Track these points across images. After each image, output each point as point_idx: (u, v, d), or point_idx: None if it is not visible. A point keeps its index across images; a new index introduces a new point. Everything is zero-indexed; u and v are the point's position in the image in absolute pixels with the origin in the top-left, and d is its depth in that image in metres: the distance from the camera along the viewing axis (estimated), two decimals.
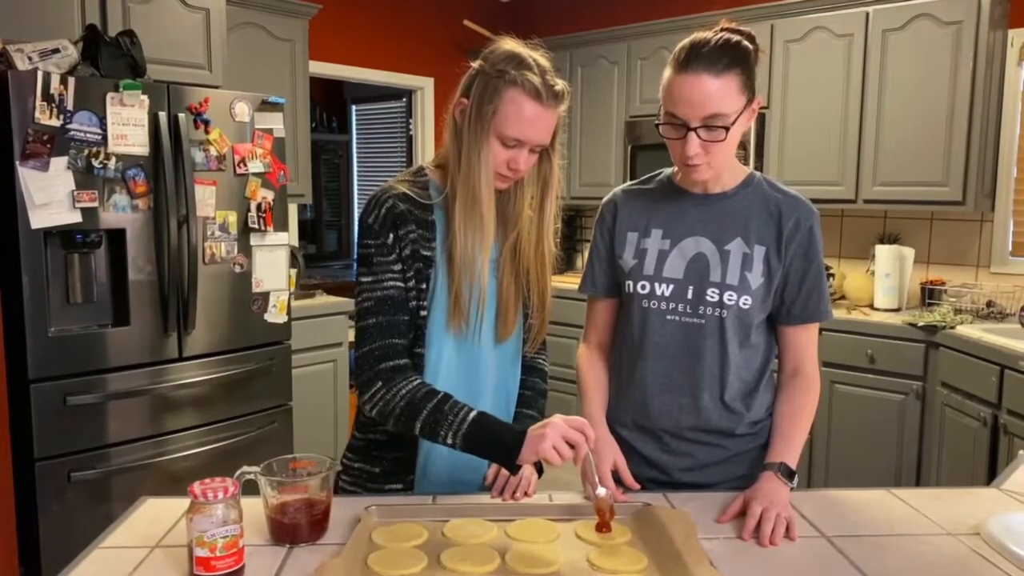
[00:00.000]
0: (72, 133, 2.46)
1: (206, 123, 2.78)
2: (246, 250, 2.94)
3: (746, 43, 1.36)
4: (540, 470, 1.40)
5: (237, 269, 2.92)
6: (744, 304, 1.41)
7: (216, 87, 3.06)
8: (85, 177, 2.50)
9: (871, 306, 3.63)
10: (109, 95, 2.53)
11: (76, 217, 2.49)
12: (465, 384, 1.40)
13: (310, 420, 3.55)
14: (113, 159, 2.55)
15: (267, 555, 1.14)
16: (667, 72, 1.36)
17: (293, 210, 4.14)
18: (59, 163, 2.43)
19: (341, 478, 1.46)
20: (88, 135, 2.49)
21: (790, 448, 1.41)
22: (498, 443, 1.24)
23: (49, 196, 2.42)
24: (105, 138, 2.53)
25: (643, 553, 1.14)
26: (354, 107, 6.89)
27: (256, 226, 2.94)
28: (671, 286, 1.44)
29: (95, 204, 2.52)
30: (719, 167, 1.39)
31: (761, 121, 3.85)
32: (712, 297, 1.42)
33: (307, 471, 1.20)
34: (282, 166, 3.03)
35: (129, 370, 2.66)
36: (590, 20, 4.78)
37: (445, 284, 1.36)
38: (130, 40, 2.71)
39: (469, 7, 4.93)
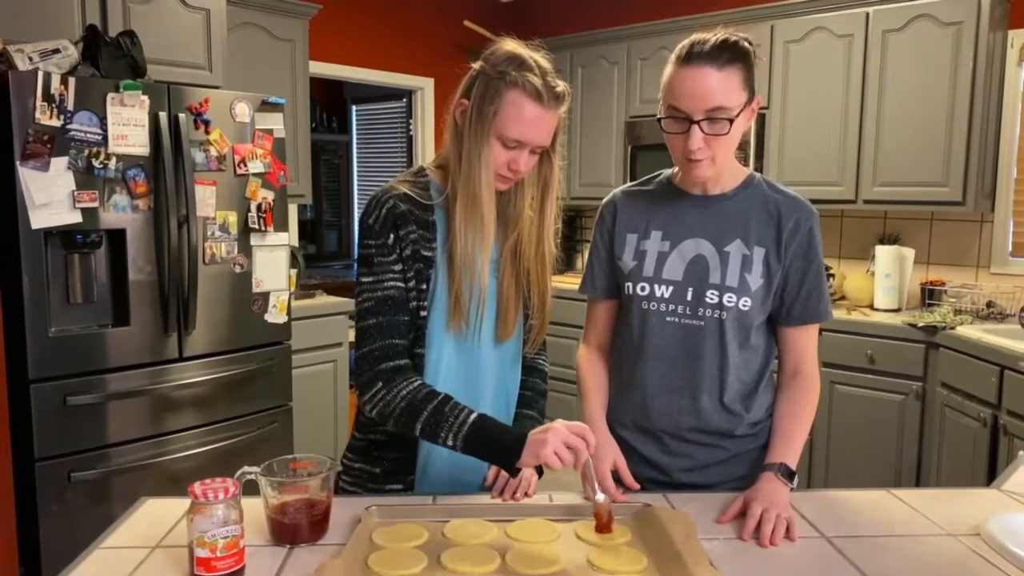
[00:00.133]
0: (72, 133, 2.46)
1: (206, 123, 2.78)
2: (246, 250, 2.94)
3: (745, 43, 1.37)
4: (540, 471, 1.40)
5: (237, 269, 2.93)
6: (744, 306, 1.41)
7: (216, 87, 3.06)
8: (85, 177, 2.50)
9: (871, 306, 3.63)
10: (109, 95, 2.53)
11: (76, 217, 2.49)
12: (465, 385, 1.40)
13: (310, 420, 3.55)
14: (113, 159, 2.55)
15: (267, 555, 1.14)
16: (669, 69, 1.37)
17: (293, 210, 4.14)
18: (59, 163, 2.43)
19: (341, 478, 1.46)
20: (88, 135, 2.49)
21: (790, 448, 1.41)
22: (498, 446, 1.24)
23: (49, 196, 2.42)
24: (105, 138, 2.53)
25: (643, 553, 1.15)
26: (354, 107, 6.89)
27: (256, 226, 2.94)
28: (671, 288, 1.44)
29: (95, 204, 2.53)
30: (721, 164, 1.39)
31: (761, 121, 3.85)
32: (712, 299, 1.42)
33: (307, 471, 1.20)
34: (282, 166, 3.04)
35: (129, 370, 2.67)
36: (590, 20, 4.78)
37: (445, 284, 1.36)
38: (130, 40, 2.71)
39: (469, 7, 4.93)
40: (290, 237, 3.23)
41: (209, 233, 2.82)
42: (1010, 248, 3.60)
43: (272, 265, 3.02)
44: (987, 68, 3.35)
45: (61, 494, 2.52)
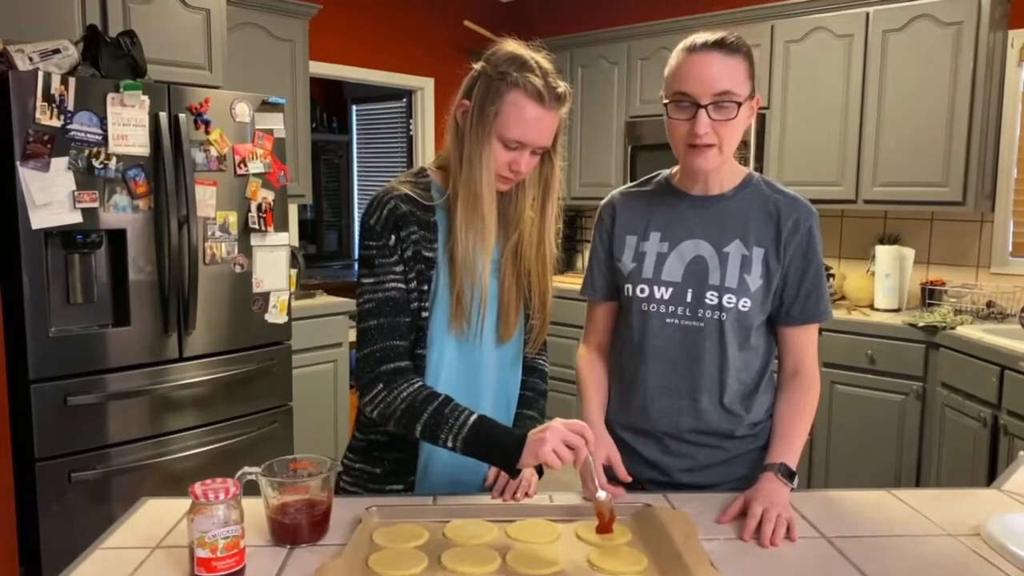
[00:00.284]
0: (73, 133, 2.46)
1: (206, 123, 2.78)
2: (246, 250, 2.94)
3: (746, 42, 1.38)
4: (540, 471, 1.40)
5: (237, 269, 2.93)
6: (743, 307, 1.41)
7: (216, 87, 3.06)
8: (85, 177, 2.50)
9: (871, 306, 3.63)
10: (110, 95, 2.53)
11: (76, 217, 2.49)
12: (465, 385, 1.40)
13: (310, 420, 3.55)
14: (114, 159, 2.55)
15: (268, 556, 1.14)
16: (675, 59, 1.38)
17: (293, 210, 4.14)
18: (60, 163, 2.43)
19: (342, 479, 1.46)
20: (89, 135, 2.49)
21: (790, 449, 1.41)
22: (498, 447, 1.24)
23: (50, 196, 2.42)
24: (106, 138, 2.53)
25: (643, 554, 1.15)
26: (354, 107, 6.89)
27: (256, 226, 2.94)
28: (670, 289, 1.44)
29: (95, 204, 2.53)
30: (726, 155, 1.39)
31: (761, 121, 3.85)
32: (711, 300, 1.42)
33: (308, 472, 1.21)
34: (282, 166, 3.04)
35: (129, 370, 2.67)
36: (590, 20, 4.78)
37: (447, 285, 1.36)
38: (130, 40, 2.71)
39: (469, 7, 4.93)
40: (290, 237, 3.23)
41: (209, 233, 2.82)
42: (1010, 248, 3.60)
43: (272, 265, 3.02)
44: (987, 68, 3.35)
45: (61, 494, 2.52)
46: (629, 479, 1.41)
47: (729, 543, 1.21)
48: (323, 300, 3.84)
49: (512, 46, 1.34)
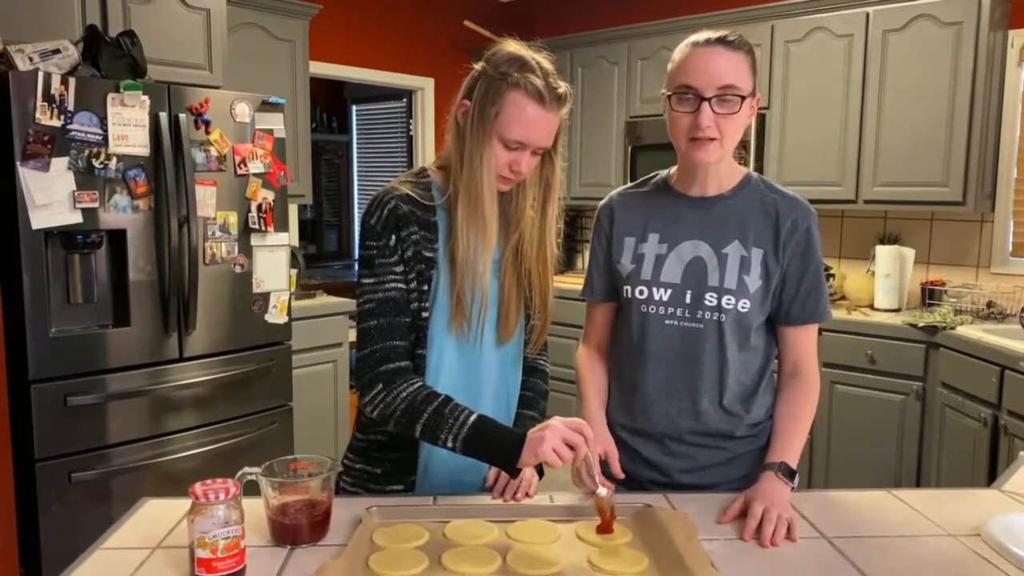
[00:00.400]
0: (73, 133, 2.46)
1: (207, 123, 2.78)
2: (246, 250, 2.94)
3: (748, 40, 1.39)
4: (541, 472, 1.40)
5: (238, 269, 2.93)
6: (743, 308, 1.41)
7: (216, 87, 3.06)
8: (86, 177, 2.50)
9: (871, 306, 3.63)
10: (110, 95, 2.53)
11: (77, 217, 2.49)
12: (466, 386, 1.40)
13: (310, 420, 3.55)
14: (114, 159, 2.55)
15: (268, 556, 1.14)
16: (679, 53, 1.39)
17: (293, 210, 4.14)
18: (60, 163, 2.43)
19: (342, 479, 1.46)
20: (89, 135, 2.49)
21: (790, 448, 1.41)
22: (498, 447, 1.24)
23: (50, 196, 2.42)
24: (106, 138, 2.53)
25: (644, 554, 1.15)
26: (354, 107, 6.89)
27: (256, 226, 2.94)
28: (669, 291, 1.44)
29: (96, 204, 2.53)
30: (727, 150, 1.39)
31: (761, 121, 3.85)
32: (710, 301, 1.42)
33: (308, 472, 1.20)
34: (282, 166, 3.04)
35: (130, 370, 2.67)
36: (590, 20, 4.78)
37: (447, 286, 1.36)
38: (131, 40, 2.71)
39: (469, 7, 4.93)
40: (290, 237, 3.23)
41: (209, 233, 2.82)
42: (1010, 248, 3.60)
43: (272, 265, 3.02)
44: (987, 68, 3.35)
45: (61, 494, 2.52)
46: (622, 475, 1.41)
47: (729, 543, 1.21)
48: (323, 300, 3.84)
49: (513, 46, 1.34)
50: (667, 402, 1.46)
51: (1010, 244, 3.60)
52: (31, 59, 2.46)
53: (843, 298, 3.83)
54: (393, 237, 1.34)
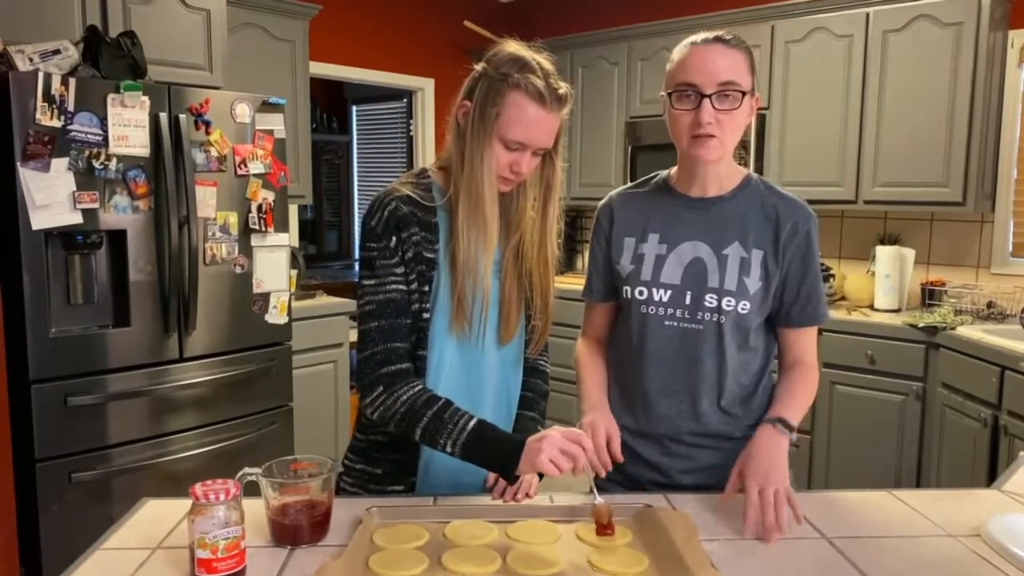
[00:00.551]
0: (73, 134, 2.46)
1: (207, 124, 2.78)
2: (247, 251, 2.94)
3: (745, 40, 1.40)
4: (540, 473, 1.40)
5: (238, 270, 2.93)
6: (742, 309, 1.41)
7: (217, 88, 3.07)
8: (86, 178, 2.50)
9: (871, 307, 3.63)
10: (110, 96, 2.53)
11: (77, 218, 2.49)
12: (466, 387, 1.40)
13: (311, 421, 3.55)
14: (114, 160, 2.55)
15: (268, 556, 1.14)
16: (678, 52, 1.39)
17: (293, 211, 4.14)
18: (60, 164, 2.43)
19: (342, 479, 1.46)
20: (89, 136, 2.49)
21: (788, 408, 1.39)
22: (496, 454, 1.25)
23: (50, 197, 2.42)
24: (106, 139, 2.53)
25: (644, 554, 1.15)
26: (354, 107, 6.89)
27: (257, 227, 2.94)
28: (669, 292, 1.44)
29: (96, 205, 2.53)
30: (727, 148, 1.39)
31: (761, 121, 3.85)
32: (710, 303, 1.42)
33: (308, 472, 1.21)
34: (283, 167, 3.04)
35: (130, 371, 2.67)
36: (590, 21, 4.78)
37: (448, 287, 1.36)
38: (131, 41, 2.71)
39: (469, 8, 4.93)
40: (290, 237, 3.23)
41: (210, 234, 2.82)
42: (1010, 248, 3.60)
43: (272, 265, 3.02)
44: (987, 68, 3.35)
45: (61, 495, 2.52)
46: (621, 459, 1.40)
47: (730, 544, 1.21)
48: (323, 300, 3.84)
49: (513, 47, 1.34)
50: (667, 403, 1.46)
51: (1010, 244, 3.60)
52: (31, 59, 2.46)
53: (843, 298, 3.83)
54: (394, 238, 1.34)
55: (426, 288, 1.36)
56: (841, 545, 1.21)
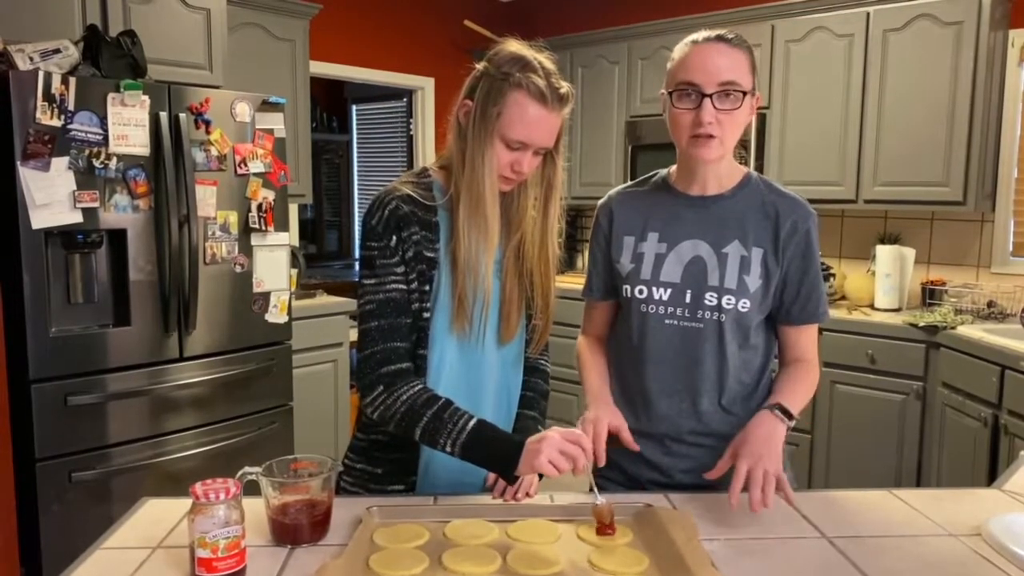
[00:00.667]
0: (73, 133, 2.46)
1: (207, 123, 2.78)
2: (247, 250, 2.94)
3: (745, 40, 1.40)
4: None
5: (238, 269, 2.93)
6: (743, 307, 1.41)
7: (217, 87, 3.06)
8: (86, 177, 2.50)
9: (872, 306, 3.63)
10: (110, 95, 2.53)
11: (77, 217, 2.49)
12: (466, 386, 1.40)
13: (311, 420, 3.55)
14: (114, 159, 2.55)
15: (268, 556, 1.14)
16: (679, 51, 1.39)
17: (294, 210, 4.14)
18: (60, 163, 2.43)
19: (343, 479, 1.46)
20: (89, 135, 2.49)
21: (787, 396, 1.39)
22: (496, 455, 1.25)
23: (50, 196, 2.42)
24: (106, 138, 2.53)
25: (644, 554, 1.15)
26: (354, 107, 6.89)
27: (257, 226, 2.94)
28: (669, 290, 1.44)
29: (96, 204, 2.53)
30: (727, 148, 1.39)
31: (761, 121, 3.85)
32: (710, 301, 1.42)
33: (308, 472, 1.21)
34: (283, 166, 3.03)
35: (130, 370, 2.67)
36: (590, 20, 4.78)
37: (448, 286, 1.36)
38: (131, 40, 2.71)
39: (469, 7, 4.92)
40: (290, 237, 3.23)
41: (210, 233, 2.82)
42: (1011, 248, 3.60)
43: (273, 265, 3.02)
44: (987, 68, 3.35)
45: (62, 494, 2.52)
46: (636, 448, 1.41)
47: (730, 543, 1.21)
48: (323, 300, 3.84)
49: (515, 46, 1.34)
50: (667, 402, 1.46)
51: (1010, 244, 3.60)
52: (31, 59, 2.46)
53: (843, 298, 3.83)
54: (394, 238, 1.34)
55: (426, 288, 1.36)
56: (841, 545, 1.21)
